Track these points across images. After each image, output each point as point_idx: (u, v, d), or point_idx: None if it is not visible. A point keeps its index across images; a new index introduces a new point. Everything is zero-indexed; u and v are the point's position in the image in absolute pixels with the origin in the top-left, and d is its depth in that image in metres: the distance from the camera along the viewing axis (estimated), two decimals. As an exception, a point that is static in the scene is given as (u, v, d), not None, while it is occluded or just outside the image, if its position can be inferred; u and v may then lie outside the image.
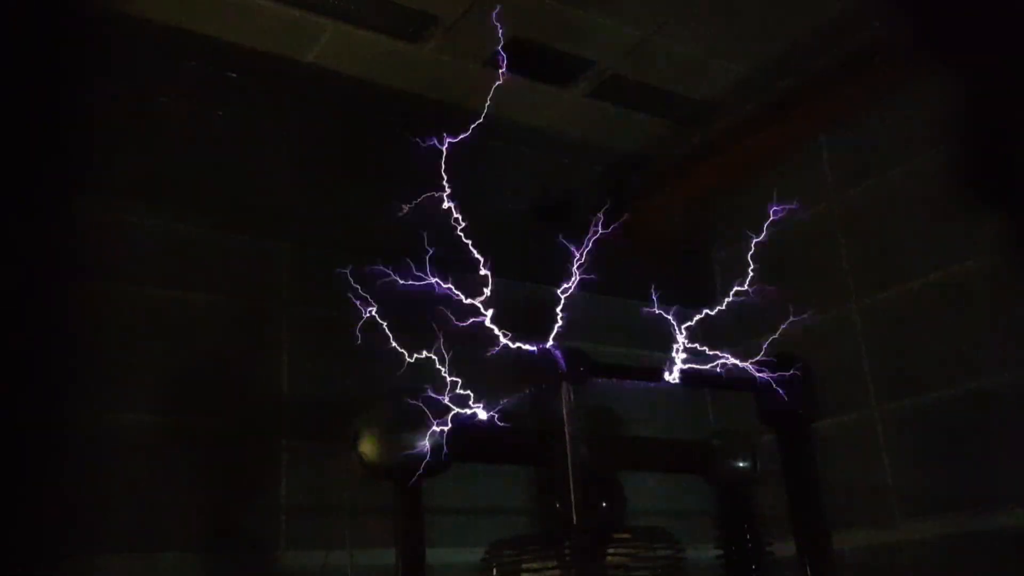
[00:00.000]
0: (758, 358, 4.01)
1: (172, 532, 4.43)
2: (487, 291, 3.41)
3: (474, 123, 6.27)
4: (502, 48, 5.77)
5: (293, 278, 5.28)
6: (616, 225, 3.66)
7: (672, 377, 3.45)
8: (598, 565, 3.20)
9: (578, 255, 3.53)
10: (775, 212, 3.67)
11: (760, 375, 3.95)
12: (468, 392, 3.34)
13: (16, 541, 1.51)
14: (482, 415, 3.34)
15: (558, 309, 3.43)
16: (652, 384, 3.51)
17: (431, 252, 3.50)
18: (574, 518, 3.14)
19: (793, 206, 3.74)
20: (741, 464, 4.17)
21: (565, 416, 3.23)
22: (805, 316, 6.18)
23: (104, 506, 3.98)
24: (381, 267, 3.49)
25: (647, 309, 3.56)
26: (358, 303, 3.50)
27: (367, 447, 3.51)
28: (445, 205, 3.53)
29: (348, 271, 3.52)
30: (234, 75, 5.47)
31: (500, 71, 5.82)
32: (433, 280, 3.46)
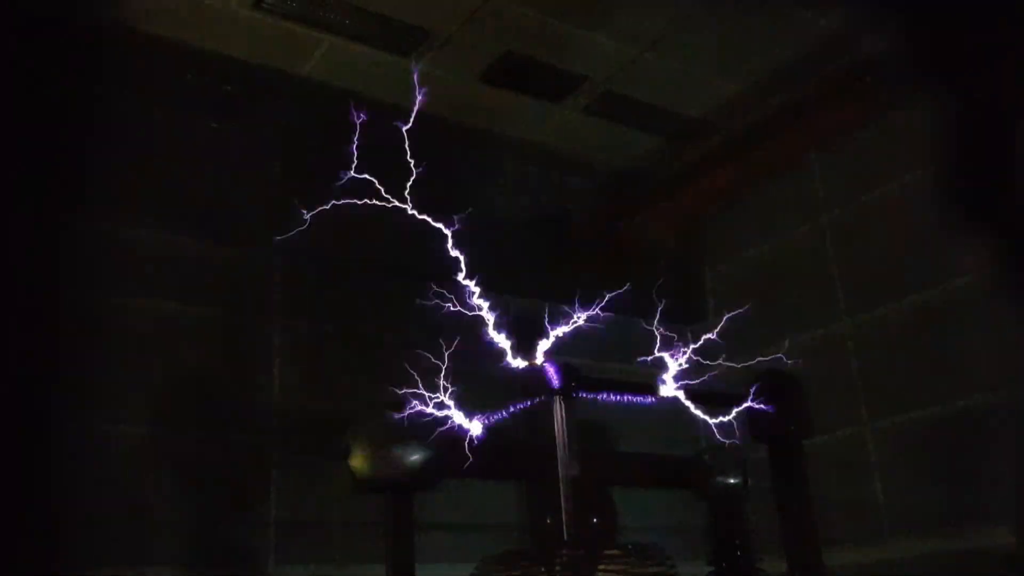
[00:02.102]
0: (750, 374, 4.02)
1: (162, 545, 4.41)
2: (481, 305, 3.41)
3: (467, 137, 6.30)
4: (496, 63, 5.80)
5: (285, 290, 5.27)
6: (609, 241, 3.67)
7: (664, 393, 3.46)
8: (589, 581, 3.19)
9: (570, 270, 3.54)
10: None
11: (752, 392, 3.96)
12: (460, 407, 3.34)
13: (7, 554, 1.51)
14: (474, 430, 3.33)
15: (550, 324, 3.44)
16: (644, 400, 3.51)
17: (426, 265, 3.51)
18: (565, 533, 3.13)
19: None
20: (732, 480, 4.17)
21: (557, 431, 3.23)
22: (797, 333, 6.21)
23: (94, 518, 3.95)
24: (372, 281, 3.50)
25: (639, 325, 3.57)
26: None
27: (358, 461, 3.51)
28: (440, 218, 3.55)
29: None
30: (229, 88, 5.48)
31: (493, 86, 5.87)
32: (428, 293, 3.47)
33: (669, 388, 3.45)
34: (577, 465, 3.20)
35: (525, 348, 3.39)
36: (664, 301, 3.71)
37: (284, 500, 4.86)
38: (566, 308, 3.47)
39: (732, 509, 4.15)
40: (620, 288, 3.68)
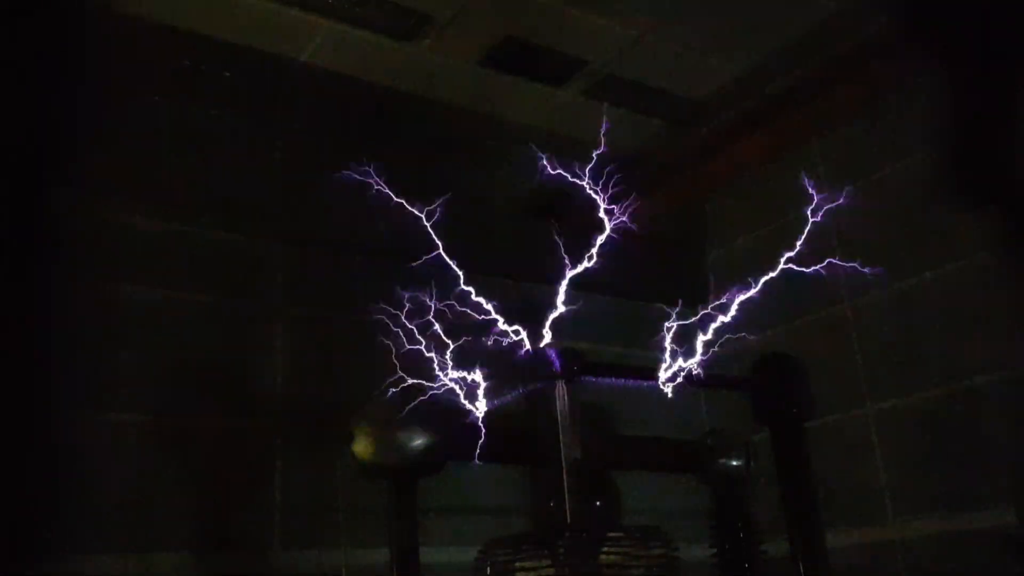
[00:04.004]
0: (752, 357, 4.02)
1: (167, 532, 4.43)
2: (482, 290, 3.42)
3: (468, 122, 6.29)
4: (496, 47, 5.78)
5: (287, 277, 5.28)
6: (610, 224, 3.67)
7: (666, 377, 3.46)
8: (592, 564, 3.20)
9: (572, 254, 3.54)
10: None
11: (754, 374, 3.96)
12: (462, 391, 3.34)
13: (11, 541, 1.51)
14: (477, 414, 3.34)
15: (552, 308, 3.44)
16: (646, 383, 3.51)
17: (427, 251, 3.51)
18: (568, 517, 3.15)
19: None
20: (735, 463, 4.18)
21: (559, 415, 3.24)
22: (799, 315, 6.22)
23: (99, 506, 3.97)
24: (375, 267, 3.50)
25: (641, 308, 3.57)
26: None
27: (361, 447, 3.51)
28: (440, 203, 3.54)
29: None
30: (228, 74, 5.46)
31: (494, 70, 5.84)
32: (428, 278, 3.47)
33: (671, 371, 3.46)
34: (579, 449, 3.21)
35: (527, 332, 3.40)
36: (666, 284, 3.71)
37: (288, 486, 4.88)
38: (568, 292, 3.47)
39: (734, 492, 4.16)
40: (622, 271, 3.69)
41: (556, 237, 3.57)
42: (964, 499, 5.10)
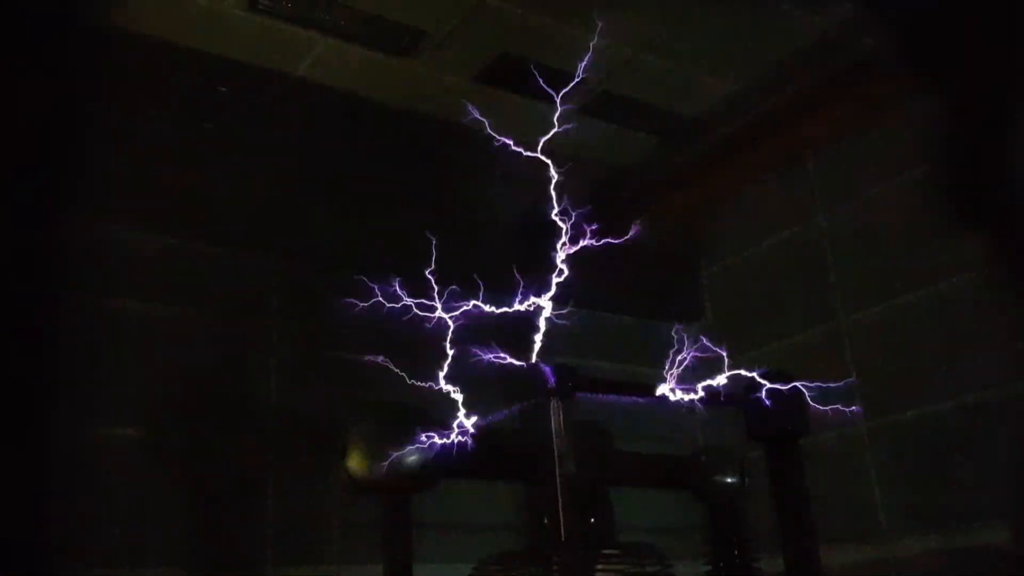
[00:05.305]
0: (747, 374, 4.02)
1: (158, 547, 4.40)
2: (479, 306, 3.41)
3: (462, 138, 6.29)
4: (491, 64, 5.80)
5: (282, 292, 5.27)
6: (605, 241, 3.67)
7: (661, 393, 3.46)
8: (587, 581, 3.19)
9: (567, 271, 3.54)
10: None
11: (748, 391, 3.96)
12: (457, 407, 3.33)
13: (3, 555, 1.50)
14: (471, 430, 3.33)
15: (549, 323, 3.44)
16: (641, 400, 3.51)
17: (422, 267, 3.51)
18: (562, 534, 3.13)
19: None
20: (730, 480, 4.17)
21: (554, 432, 3.23)
22: (794, 331, 6.22)
23: (90, 521, 3.95)
24: (370, 283, 3.49)
25: (637, 324, 3.58)
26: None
27: (355, 462, 3.50)
28: (435, 220, 3.55)
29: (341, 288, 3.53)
30: (224, 89, 5.47)
31: (489, 86, 5.86)
32: (424, 295, 3.46)
33: (665, 387, 3.45)
34: (574, 465, 3.20)
35: (522, 348, 3.39)
36: (661, 300, 3.71)
37: (281, 502, 4.86)
38: (563, 308, 3.47)
39: (729, 508, 4.15)
40: (617, 288, 3.69)
41: (553, 253, 3.57)
42: (958, 516, 5.09)
